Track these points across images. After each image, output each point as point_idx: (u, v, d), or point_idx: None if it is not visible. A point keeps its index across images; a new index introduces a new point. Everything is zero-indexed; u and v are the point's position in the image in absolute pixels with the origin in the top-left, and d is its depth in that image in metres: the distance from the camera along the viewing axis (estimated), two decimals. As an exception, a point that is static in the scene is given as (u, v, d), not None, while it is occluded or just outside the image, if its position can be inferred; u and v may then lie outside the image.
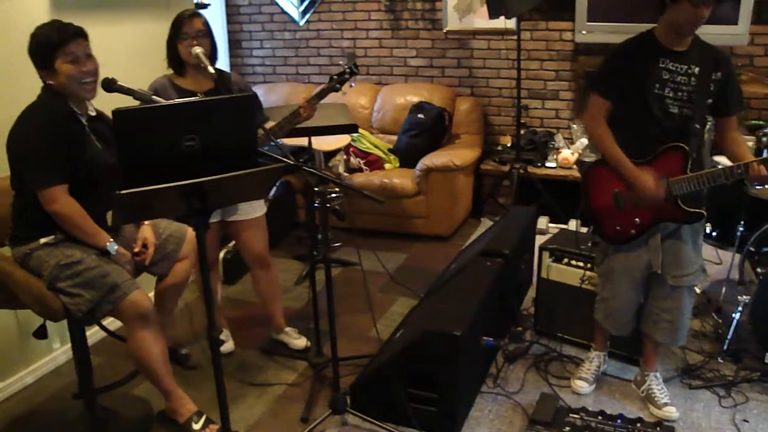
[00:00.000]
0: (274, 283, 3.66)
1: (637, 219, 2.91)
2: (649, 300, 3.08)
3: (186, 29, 3.12)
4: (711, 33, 4.76)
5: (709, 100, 2.81)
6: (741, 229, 3.72)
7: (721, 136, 2.94)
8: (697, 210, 2.85)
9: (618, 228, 2.98)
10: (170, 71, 3.27)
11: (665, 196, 2.82)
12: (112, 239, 2.78)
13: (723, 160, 3.48)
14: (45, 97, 2.73)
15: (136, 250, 2.92)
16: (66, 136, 2.68)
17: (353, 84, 3.39)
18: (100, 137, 2.82)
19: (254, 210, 3.45)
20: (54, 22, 2.68)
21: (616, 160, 2.88)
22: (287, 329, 3.75)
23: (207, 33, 3.19)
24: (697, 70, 2.78)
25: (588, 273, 3.42)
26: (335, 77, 3.31)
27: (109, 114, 2.21)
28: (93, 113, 2.85)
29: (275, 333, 3.77)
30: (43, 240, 2.74)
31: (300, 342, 3.70)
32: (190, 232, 3.10)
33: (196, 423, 2.91)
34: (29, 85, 2.75)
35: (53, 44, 2.62)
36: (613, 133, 2.91)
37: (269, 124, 3.30)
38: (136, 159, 2.20)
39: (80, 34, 2.69)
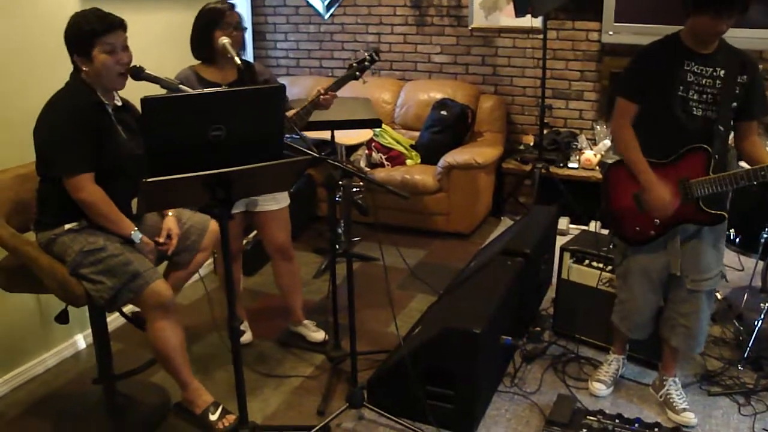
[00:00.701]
0: (295, 275, 3.67)
1: (657, 220, 2.90)
2: (667, 304, 3.06)
3: (229, 19, 3.15)
4: (741, 36, 4.75)
5: (734, 103, 2.80)
6: (765, 235, 3.68)
7: (740, 139, 2.93)
8: (719, 212, 2.83)
9: (638, 229, 2.96)
10: (195, 63, 3.28)
11: (682, 202, 2.83)
12: (136, 228, 2.80)
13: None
14: (72, 85, 2.75)
15: (161, 240, 2.93)
16: (92, 125, 2.69)
17: (373, 71, 3.37)
18: (126, 127, 2.84)
19: (278, 202, 3.46)
20: (97, 11, 2.70)
21: (636, 167, 2.88)
22: (306, 322, 3.76)
23: (242, 25, 3.23)
24: (722, 72, 2.77)
25: (608, 275, 3.40)
26: (355, 65, 3.32)
27: (137, 102, 2.22)
28: (119, 103, 2.87)
29: (293, 325, 3.78)
30: (67, 226, 2.76)
31: (318, 335, 3.71)
32: (212, 225, 3.11)
33: (213, 414, 2.92)
34: (59, 74, 2.76)
35: (96, 32, 2.64)
36: (637, 133, 2.90)
37: (290, 113, 3.31)
38: (163, 147, 2.21)
39: (122, 26, 2.72)
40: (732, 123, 2.87)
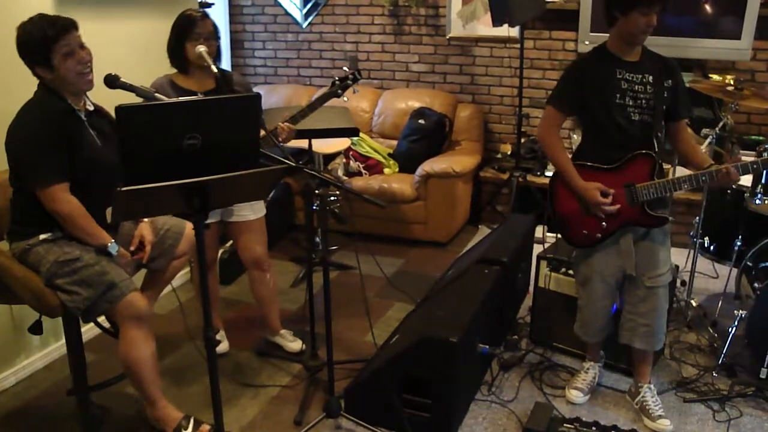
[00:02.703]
0: (271, 285, 3.65)
1: (604, 223, 2.97)
2: (625, 307, 3.12)
3: (199, 30, 3.12)
4: (714, 47, 4.83)
5: (663, 107, 2.91)
6: (738, 243, 3.73)
7: (674, 139, 3.06)
8: (663, 215, 2.94)
9: (585, 232, 3.02)
10: (171, 71, 3.26)
11: (628, 205, 2.92)
12: (113, 240, 2.76)
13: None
14: (42, 95, 2.71)
15: (132, 248, 2.90)
16: (65, 133, 2.66)
17: (356, 90, 3.38)
18: (100, 133, 2.81)
19: (254, 212, 3.44)
20: (43, 17, 2.63)
21: (564, 171, 2.98)
22: (282, 331, 3.74)
23: (216, 35, 3.20)
24: (650, 78, 2.88)
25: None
26: (337, 82, 3.31)
27: (112, 111, 2.20)
28: (91, 108, 2.83)
29: (270, 335, 3.76)
30: (42, 236, 2.73)
31: (295, 345, 3.69)
32: (188, 230, 3.08)
33: (186, 428, 2.86)
34: (31, 81, 2.73)
35: (50, 38, 2.58)
36: (585, 142, 3.04)
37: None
38: (138, 156, 2.19)
39: (73, 26, 2.66)
40: (662, 127, 3.00)
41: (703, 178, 2.85)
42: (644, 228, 2.98)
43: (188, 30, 3.12)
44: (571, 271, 3.51)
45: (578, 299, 3.24)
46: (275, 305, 3.72)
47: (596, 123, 2.95)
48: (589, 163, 2.97)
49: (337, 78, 3.34)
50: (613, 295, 3.13)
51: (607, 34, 2.94)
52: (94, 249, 2.74)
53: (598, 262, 3.06)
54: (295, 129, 3.29)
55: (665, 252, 3.03)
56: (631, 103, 2.87)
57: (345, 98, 3.38)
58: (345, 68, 3.42)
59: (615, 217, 2.93)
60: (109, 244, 2.74)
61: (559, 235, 3.16)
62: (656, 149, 2.92)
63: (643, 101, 2.87)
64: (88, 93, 2.82)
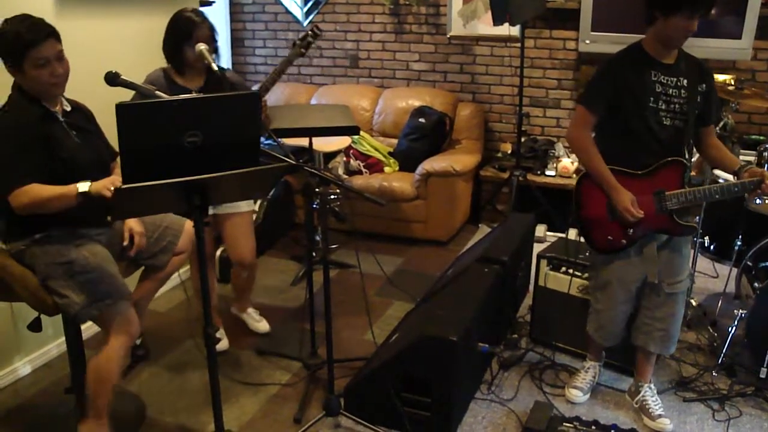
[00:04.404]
0: (251, 278, 3.74)
1: (630, 230, 2.92)
2: (641, 311, 3.09)
3: (197, 33, 3.11)
4: (715, 47, 4.83)
5: (696, 111, 2.85)
6: (738, 243, 3.73)
7: (702, 143, 3.00)
8: (691, 224, 2.90)
9: (610, 238, 2.98)
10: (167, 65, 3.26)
11: (656, 213, 2.87)
12: (80, 183, 2.58)
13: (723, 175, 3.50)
14: (16, 99, 2.63)
15: (125, 243, 2.87)
16: (39, 138, 2.59)
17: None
18: (79, 131, 2.76)
19: (243, 204, 3.46)
20: (25, 18, 2.55)
21: (596, 172, 2.91)
22: (249, 310, 3.81)
23: (214, 37, 3.22)
24: (685, 82, 2.82)
25: (585, 282, 3.41)
26: (298, 42, 3.34)
27: (113, 109, 2.18)
28: (68, 108, 2.77)
29: (238, 311, 3.86)
30: (37, 236, 2.69)
31: (261, 325, 3.76)
32: (188, 226, 3.07)
33: None
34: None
35: (24, 43, 2.50)
36: (611, 144, 2.93)
37: None
38: (138, 154, 2.19)
39: (52, 34, 2.57)
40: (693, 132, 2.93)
41: (736, 188, 2.78)
42: (668, 235, 2.95)
43: (187, 34, 3.11)
44: (571, 270, 3.50)
45: (594, 302, 3.19)
46: (249, 291, 3.84)
47: (626, 126, 2.85)
48: (627, 170, 2.88)
49: (297, 39, 3.35)
50: (633, 301, 3.07)
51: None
52: (89, 251, 2.68)
53: (620, 267, 3.01)
54: (266, 101, 3.27)
55: (685, 259, 3.00)
56: (663, 107, 2.80)
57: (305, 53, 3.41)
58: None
59: (642, 224, 2.88)
60: (79, 186, 2.57)
61: (582, 239, 3.10)
62: (686, 156, 2.84)
63: (677, 106, 2.80)
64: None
